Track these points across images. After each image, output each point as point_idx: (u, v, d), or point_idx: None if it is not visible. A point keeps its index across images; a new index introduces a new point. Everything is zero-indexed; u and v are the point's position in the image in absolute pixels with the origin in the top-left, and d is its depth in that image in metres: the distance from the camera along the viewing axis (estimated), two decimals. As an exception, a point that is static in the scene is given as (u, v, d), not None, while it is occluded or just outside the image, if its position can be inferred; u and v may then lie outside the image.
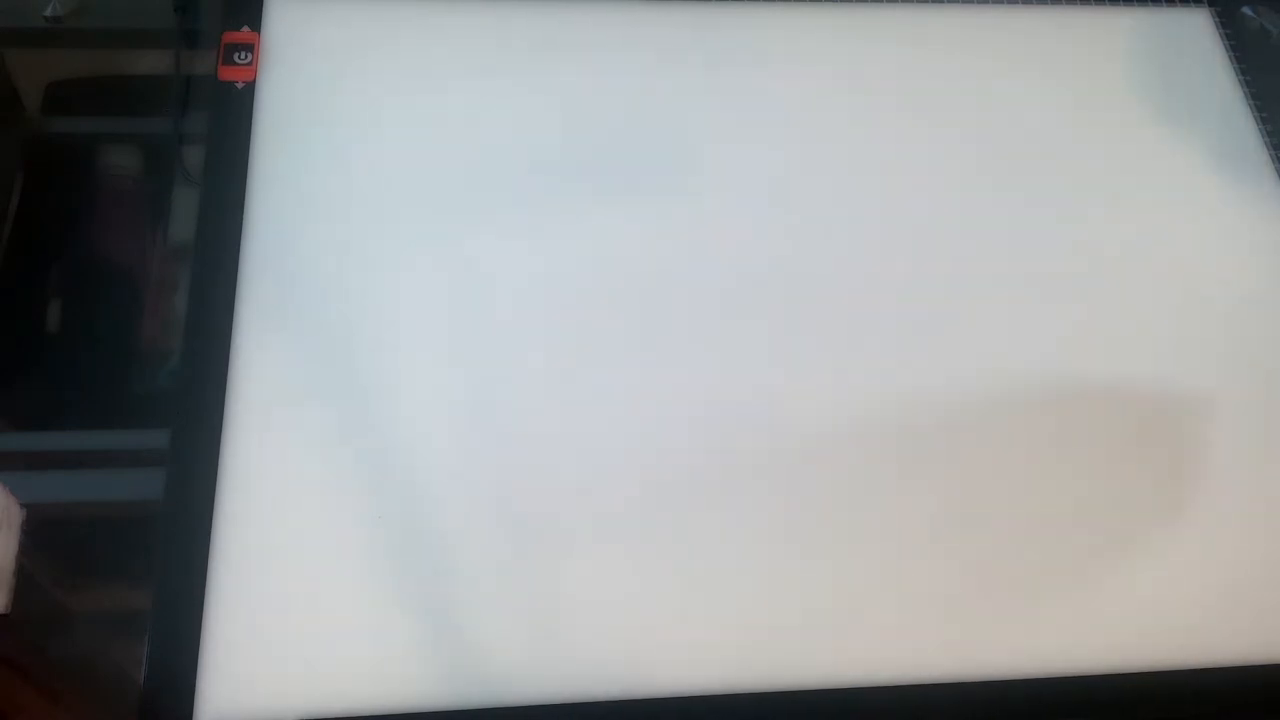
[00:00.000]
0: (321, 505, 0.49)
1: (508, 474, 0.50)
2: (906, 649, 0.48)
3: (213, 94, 0.56)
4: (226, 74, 0.56)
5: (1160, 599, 0.49)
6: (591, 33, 0.59)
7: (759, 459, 0.51)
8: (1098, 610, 0.49)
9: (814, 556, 0.49)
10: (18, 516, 0.48)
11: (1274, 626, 0.49)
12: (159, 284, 0.55)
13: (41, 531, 0.48)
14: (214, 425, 0.49)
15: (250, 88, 0.56)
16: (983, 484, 0.51)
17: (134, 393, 0.53)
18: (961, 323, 0.54)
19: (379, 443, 0.50)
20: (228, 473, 0.49)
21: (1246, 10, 0.63)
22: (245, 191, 0.54)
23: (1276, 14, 0.63)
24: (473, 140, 0.56)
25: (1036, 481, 0.51)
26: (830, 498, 0.50)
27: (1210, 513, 0.51)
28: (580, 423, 0.51)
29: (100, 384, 0.53)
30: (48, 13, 0.59)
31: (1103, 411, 0.53)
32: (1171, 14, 0.65)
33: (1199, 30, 0.64)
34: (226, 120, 0.55)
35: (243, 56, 0.56)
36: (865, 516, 0.50)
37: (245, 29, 0.57)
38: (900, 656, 0.48)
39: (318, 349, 0.51)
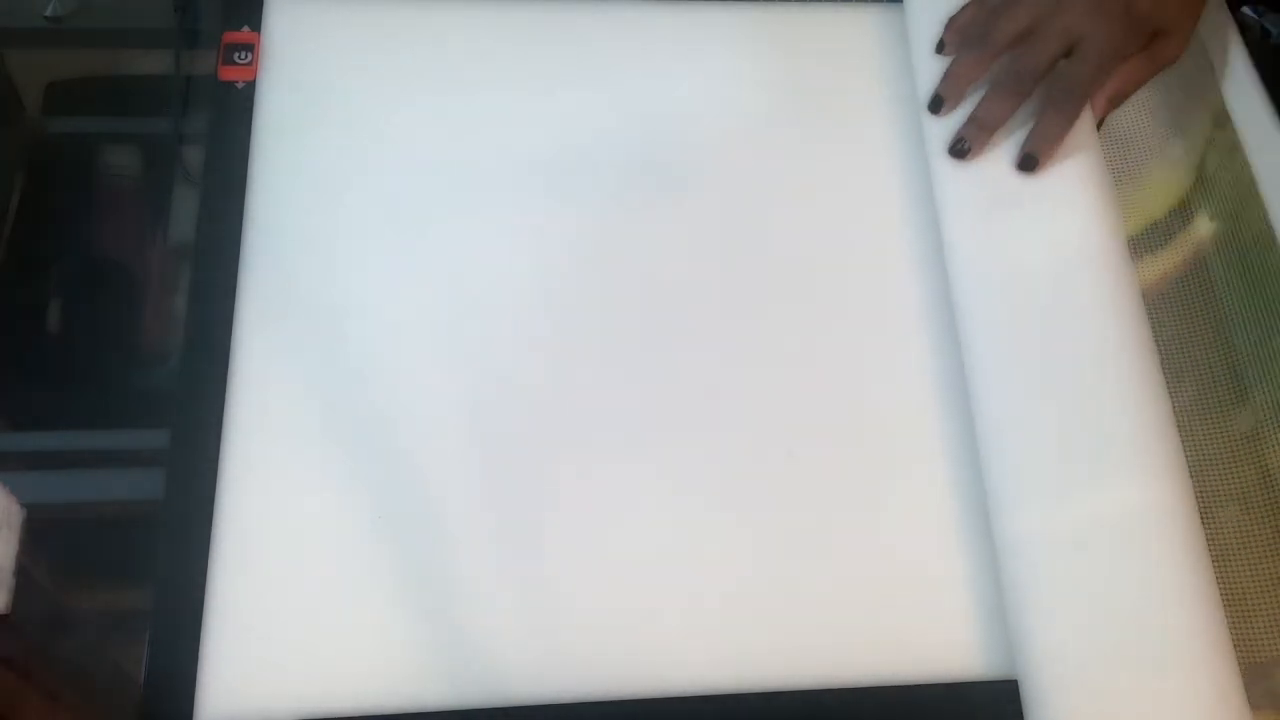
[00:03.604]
0: (321, 505, 0.49)
1: (509, 473, 0.50)
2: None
3: (213, 94, 0.56)
4: (226, 74, 0.56)
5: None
6: (594, 33, 0.59)
7: (768, 461, 0.51)
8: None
9: (808, 557, 0.49)
10: (18, 516, 0.48)
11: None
12: (159, 284, 0.55)
13: (41, 531, 0.48)
14: (214, 425, 0.49)
15: (250, 88, 0.56)
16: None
17: (134, 393, 0.53)
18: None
19: (379, 443, 0.50)
20: (228, 473, 0.49)
21: (1247, 10, 0.63)
22: (245, 191, 0.54)
23: (1277, 14, 0.63)
24: (474, 140, 0.56)
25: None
26: (816, 498, 0.50)
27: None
28: (582, 422, 0.51)
29: (100, 384, 0.53)
30: (48, 13, 0.59)
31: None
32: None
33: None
34: (226, 120, 0.55)
35: (243, 56, 0.56)
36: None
37: (245, 29, 0.57)
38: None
39: (317, 349, 0.51)
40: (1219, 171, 0.58)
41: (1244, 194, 0.56)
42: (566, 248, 0.54)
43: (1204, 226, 0.57)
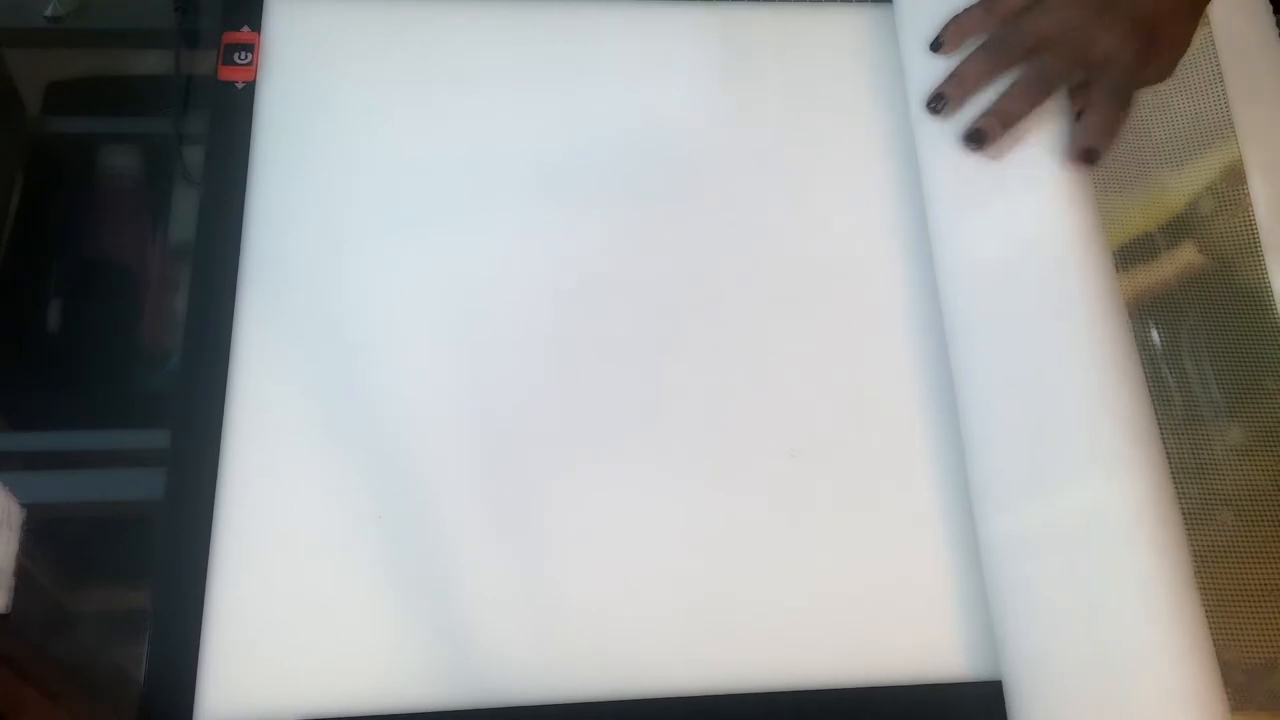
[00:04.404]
0: (321, 505, 0.49)
1: (508, 473, 0.50)
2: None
3: (213, 94, 0.56)
4: (226, 74, 0.56)
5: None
6: (595, 34, 0.59)
7: (757, 465, 0.51)
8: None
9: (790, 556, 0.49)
10: (18, 516, 0.48)
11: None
12: (159, 284, 0.55)
13: (41, 531, 0.48)
14: (214, 425, 0.49)
15: (250, 88, 0.56)
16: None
17: (134, 393, 0.53)
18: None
19: (379, 442, 0.50)
20: (228, 473, 0.49)
21: None
22: (245, 191, 0.54)
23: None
24: (473, 140, 0.56)
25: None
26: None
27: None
28: (582, 422, 0.51)
29: (100, 384, 0.53)
30: (48, 13, 0.59)
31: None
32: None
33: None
34: (226, 120, 0.55)
35: (243, 56, 0.56)
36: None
37: (245, 29, 0.57)
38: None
39: (317, 349, 0.51)
40: (1216, 214, 0.57)
41: (1241, 247, 0.56)
42: (567, 247, 0.54)
43: (1194, 257, 0.57)
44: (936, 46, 0.55)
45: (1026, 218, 0.51)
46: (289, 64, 0.57)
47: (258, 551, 0.48)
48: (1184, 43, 0.53)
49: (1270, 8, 0.62)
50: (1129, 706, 0.42)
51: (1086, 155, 0.51)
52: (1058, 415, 0.47)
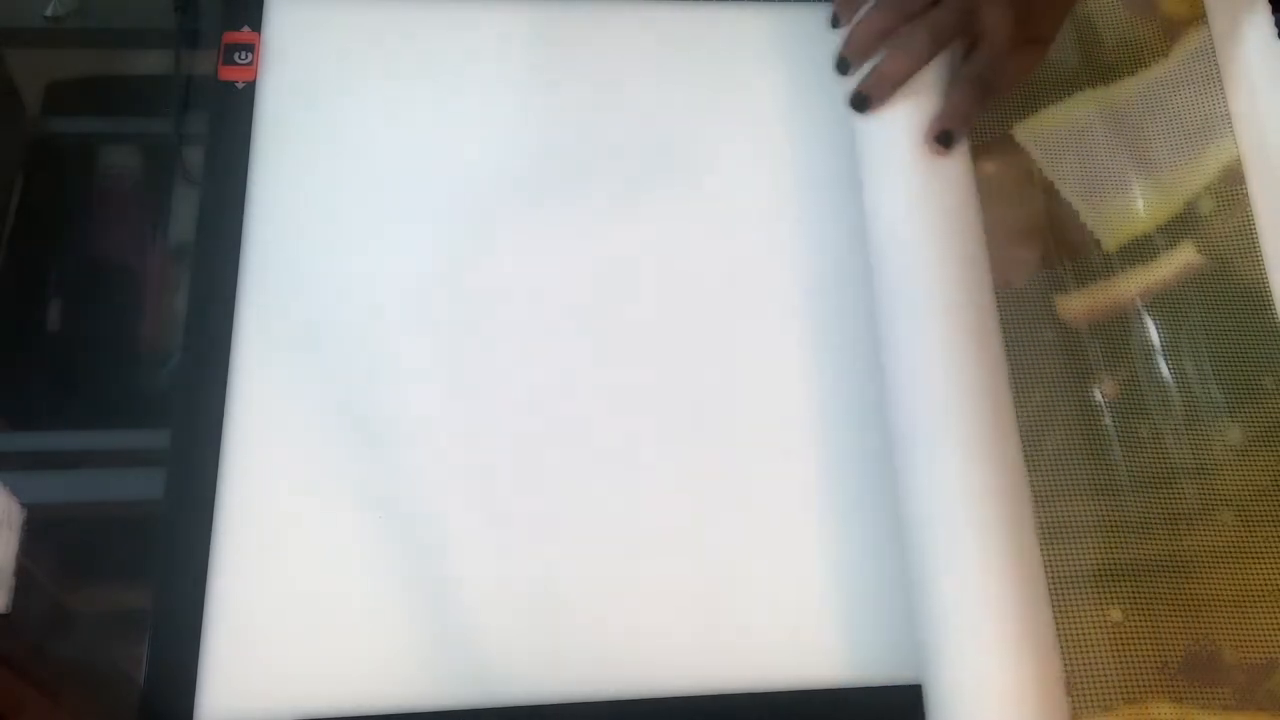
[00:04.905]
0: (322, 505, 0.49)
1: (508, 474, 0.50)
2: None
3: (213, 94, 0.56)
4: (226, 74, 0.56)
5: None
6: (597, 34, 0.59)
7: (770, 462, 0.51)
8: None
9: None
10: (18, 516, 0.48)
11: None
12: (159, 284, 0.55)
13: (41, 531, 0.48)
14: (214, 425, 0.49)
15: (250, 88, 0.56)
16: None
17: (134, 393, 0.53)
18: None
19: (379, 443, 0.50)
20: (228, 473, 0.49)
21: None
22: (245, 192, 0.54)
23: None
24: (474, 141, 0.56)
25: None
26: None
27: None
28: (581, 423, 0.51)
29: (100, 384, 0.53)
30: (48, 13, 0.59)
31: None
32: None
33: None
34: (226, 120, 0.55)
35: (243, 56, 0.56)
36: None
37: (245, 29, 0.57)
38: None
39: (317, 349, 0.51)
40: (1216, 214, 0.57)
41: (1240, 247, 0.56)
42: (567, 245, 0.54)
43: (1193, 257, 0.57)
44: (835, 24, 0.55)
45: (901, 203, 0.50)
46: (289, 64, 0.57)
47: (258, 551, 0.48)
48: (1050, 36, 0.53)
49: (1270, 7, 0.62)
50: (1003, 699, 0.42)
51: (942, 138, 0.51)
52: (920, 406, 0.46)
